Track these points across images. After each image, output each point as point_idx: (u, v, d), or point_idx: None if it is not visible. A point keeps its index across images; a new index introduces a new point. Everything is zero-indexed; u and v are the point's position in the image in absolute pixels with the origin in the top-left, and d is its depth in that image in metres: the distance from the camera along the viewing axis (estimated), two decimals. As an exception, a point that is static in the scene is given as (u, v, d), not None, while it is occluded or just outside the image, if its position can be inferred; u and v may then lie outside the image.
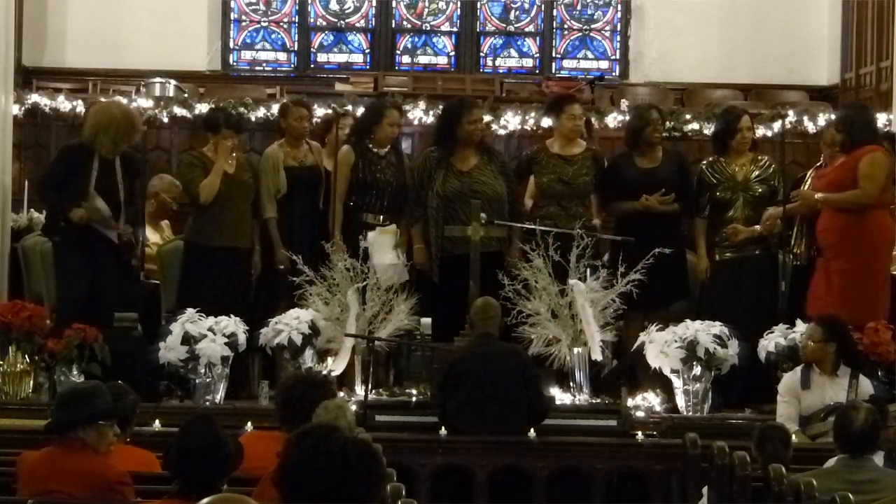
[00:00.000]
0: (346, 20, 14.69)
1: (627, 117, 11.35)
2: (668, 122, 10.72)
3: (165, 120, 11.34)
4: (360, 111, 10.64)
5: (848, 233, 9.21)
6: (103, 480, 5.47)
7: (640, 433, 8.20)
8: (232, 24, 14.48)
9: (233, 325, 8.83)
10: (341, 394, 8.15)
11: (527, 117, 11.36)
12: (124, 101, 11.20)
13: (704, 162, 9.96)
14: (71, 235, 9.10)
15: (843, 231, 9.22)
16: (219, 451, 4.95)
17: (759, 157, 9.85)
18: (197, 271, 9.51)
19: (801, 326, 8.88)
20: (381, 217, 9.55)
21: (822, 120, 11.43)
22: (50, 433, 5.65)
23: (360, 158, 9.56)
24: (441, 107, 10.76)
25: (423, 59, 14.66)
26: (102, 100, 10.52)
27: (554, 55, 14.73)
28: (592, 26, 14.75)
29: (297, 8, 14.60)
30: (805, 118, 11.55)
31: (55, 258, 9.31)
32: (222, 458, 4.96)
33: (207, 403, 8.70)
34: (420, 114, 11.43)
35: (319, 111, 11.05)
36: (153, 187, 10.25)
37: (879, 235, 9.31)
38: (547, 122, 10.78)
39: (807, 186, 9.63)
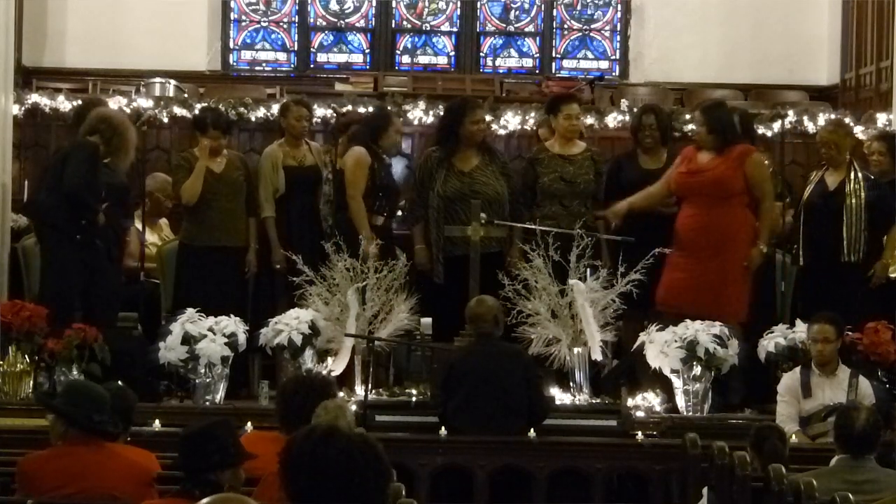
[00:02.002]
0: (346, 20, 14.69)
1: (627, 117, 11.38)
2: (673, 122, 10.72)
3: (165, 120, 11.33)
4: (362, 113, 10.68)
5: (711, 229, 9.16)
6: (147, 473, 5.49)
7: (640, 433, 8.20)
8: (232, 24, 14.48)
9: (233, 325, 8.83)
10: (341, 394, 8.16)
11: (527, 117, 11.35)
12: (124, 100, 11.27)
13: None
14: (76, 232, 9.08)
15: (707, 227, 9.17)
16: (211, 436, 5.05)
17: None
18: (190, 272, 9.53)
19: (801, 326, 8.88)
20: (381, 218, 9.58)
21: (822, 120, 11.42)
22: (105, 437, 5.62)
23: (373, 162, 9.58)
24: (441, 107, 10.81)
25: (423, 59, 14.67)
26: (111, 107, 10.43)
27: (554, 55, 14.73)
28: (592, 26, 14.76)
29: (297, 8, 14.60)
30: (805, 118, 11.54)
31: (54, 257, 9.21)
32: (215, 444, 5.03)
33: (207, 403, 8.70)
34: (420, 114, 11.43)
35: (319, 111, 11.05)
36: (147, 186, 10.26)
37: (744, 230, 9.28)
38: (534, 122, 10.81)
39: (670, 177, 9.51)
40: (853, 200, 9.53)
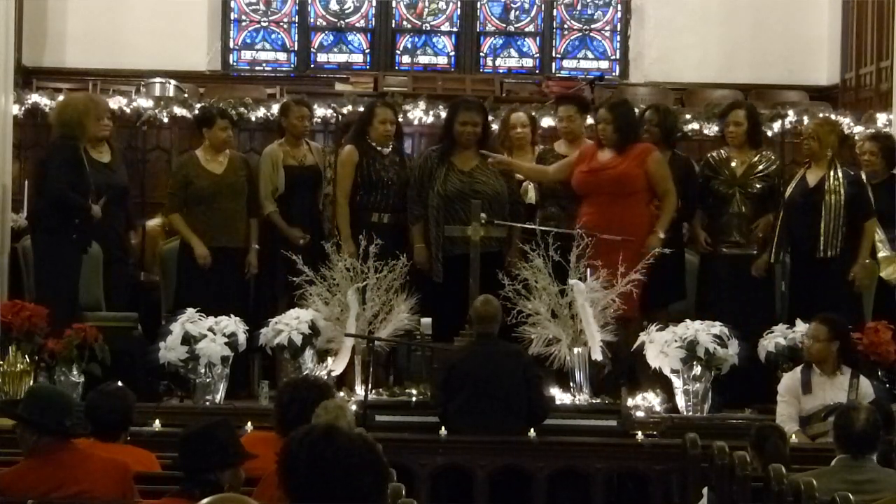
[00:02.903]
0: (346, 20, 14.69)
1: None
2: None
3: (165, 120, 11.33)
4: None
5: (613, 226, 9.01)
6: (125, 471, 5.44)
7: (640, 433, 8.19)
8: (232, 24, 14.48)
9: (233, 325, 8.83)
10: (341, 394, 8.16)
11: (527, 117, 11.34)
12: (124, 100, 11.29)
13: (709, 154, 9.96)
14: (72, 231, 9.13)
15: (609, 224, 9.02)
16: (211, 436, 5.04)
17: (766, 154, 9.82)
18: (191, 272, 9.52)
19: (801, 326, 8.88)
20: (387, 216, 9.55)
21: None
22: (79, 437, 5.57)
23: (363, 157, 9.56)
24: (441, 107, 10.92)
25: (423, 59, 14.67)
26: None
27: (554, 55, 14.73)
28: (592, 26, 14.76)
29: (297, 8, 14.60)
30: (805, 118, 11.54)
31: (51, 260, 9.25)
32: (215, 444, 5.02)
33: (207, 403, 8.70)
34: (420, 114, 11.43)
35: (319, 111, 11.05)
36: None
37: (645, 227, 9.18)
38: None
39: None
40: (832, 197, 9.49)
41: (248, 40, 14.58)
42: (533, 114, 10.50)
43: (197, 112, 10.55)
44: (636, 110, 9.93)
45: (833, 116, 11.37)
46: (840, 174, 9.52)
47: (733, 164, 9.66)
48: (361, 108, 10.98)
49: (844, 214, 9.46)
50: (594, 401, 8.68)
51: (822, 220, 9.43)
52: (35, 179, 9.43)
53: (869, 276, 9.47)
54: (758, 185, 9.65)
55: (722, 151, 9.78)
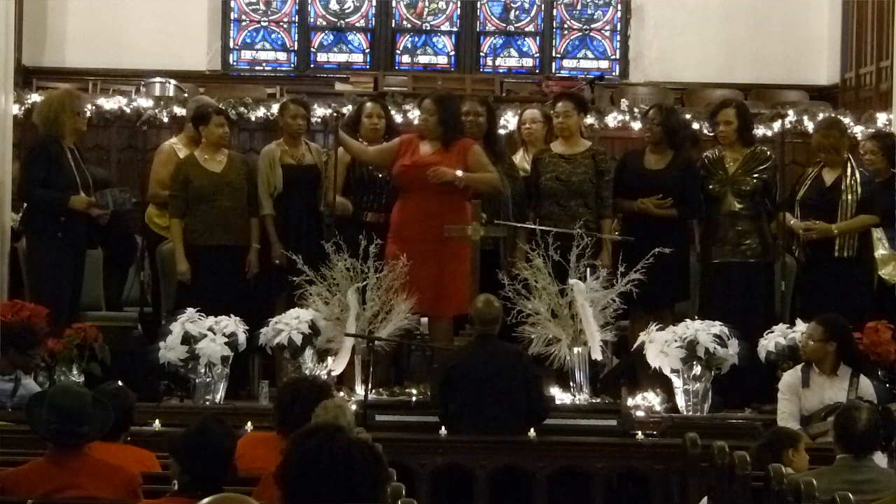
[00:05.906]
0: (346, 20, 14.69)
1: (627, 117, 11.41)
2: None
3: (165, 120, 11.34)
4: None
5: (433, 222, 8.91)
6: (131, 480, 5.44)
7: (640, 433, 8.20)
8: (232, 24, 14.48)
9: (233, 324, 8.83)
10: (341, 394, 8.16)
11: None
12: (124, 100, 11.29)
13: (704, 154, 9.94)
14: (57, 229, 9.16)
15: (429, 220, 8.92)
16: (233, 453, 5.03)
17: (759, 151, 9.80)
18: (191, 271, 9.50)
19: (801, 326, 8.89)
20: (382, 216, 9.53)
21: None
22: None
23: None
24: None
25: (423, 59, 14.67)
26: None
27: (554, 55, 14.73)
28: (592, 26, 14.76)
29: (297, 8, 14.60)
30: (805, 118, 11.55)
31: (42, 260, 9.28)
32: (232, 462, 5.02)
33: (207, 403, 8.70)
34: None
35: (320, 111, 11.05)
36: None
37: (463, 223, 8.99)
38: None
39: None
40: (848, 196, 9.54)
41: (248, 40, 14.58)
42: (550, 112, 10.37)
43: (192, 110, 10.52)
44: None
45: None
46: (857, 174, 9.56)
47: (727, 163, 9.66)
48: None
49: (858, 214, 9.50)
50: (594, 401, 8.69)
51: (839, 220, 9.46)
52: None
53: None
54: (750, 183, 9.62)
55: (716, 151, 9.78)
